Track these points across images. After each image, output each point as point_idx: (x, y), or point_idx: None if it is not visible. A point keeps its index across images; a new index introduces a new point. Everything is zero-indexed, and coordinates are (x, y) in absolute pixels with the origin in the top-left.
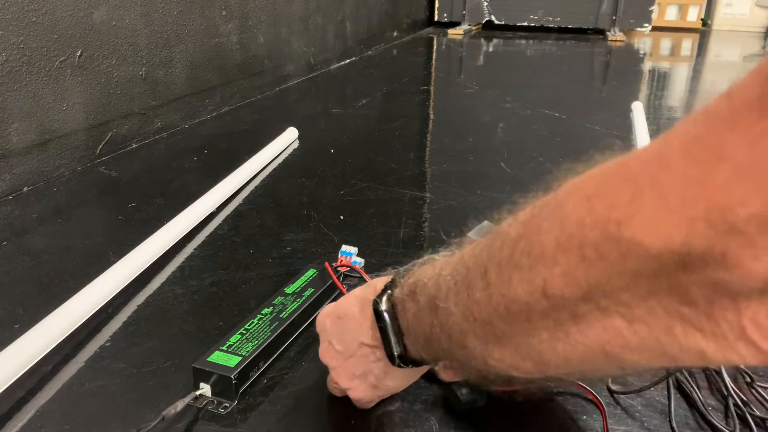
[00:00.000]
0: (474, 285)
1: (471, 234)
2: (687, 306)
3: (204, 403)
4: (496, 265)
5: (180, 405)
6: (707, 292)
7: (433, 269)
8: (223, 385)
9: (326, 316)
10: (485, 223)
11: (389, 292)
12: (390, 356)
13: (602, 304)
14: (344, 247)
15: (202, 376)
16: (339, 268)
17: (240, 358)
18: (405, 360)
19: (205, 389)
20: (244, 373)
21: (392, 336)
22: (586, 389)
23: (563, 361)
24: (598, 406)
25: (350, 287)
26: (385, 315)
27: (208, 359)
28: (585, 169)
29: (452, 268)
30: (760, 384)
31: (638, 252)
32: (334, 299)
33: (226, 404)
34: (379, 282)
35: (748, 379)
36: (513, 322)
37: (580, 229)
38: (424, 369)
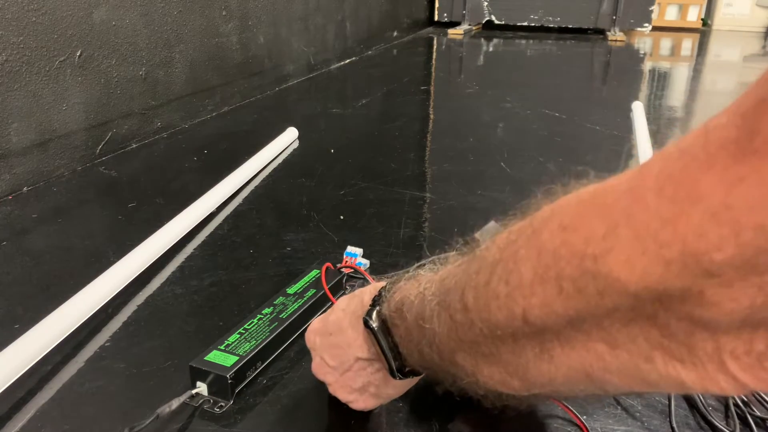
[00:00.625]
0: (453, 308)
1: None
2: (667, 337)
3: (200, 402)
4: (473, 289)
5: (175, 403)
6: (686, 325)
7: (418, 286)
8: (219, 385)
9: (315, 333)
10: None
11: (378, 308)
12: (390, 370)
13: (585, 328)
14: (349, 248)
15: (198, 374)
16: (343, 269)
17: (237, 358)
18: (404, 372)
19: (202, 388)
20: (240, 373)
21: (388, 351)
22: (571, 410)
23: (548, 380)
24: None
25: (354, 288)
26: (378, 332)
27: (205, 358)
28: (561, 192)
29: (435, 287)
30: None
31: (616, 288)
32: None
33: (222, 403)
34: (366, 295)
35: None
36: (499, 342)
37: (557, 260)
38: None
